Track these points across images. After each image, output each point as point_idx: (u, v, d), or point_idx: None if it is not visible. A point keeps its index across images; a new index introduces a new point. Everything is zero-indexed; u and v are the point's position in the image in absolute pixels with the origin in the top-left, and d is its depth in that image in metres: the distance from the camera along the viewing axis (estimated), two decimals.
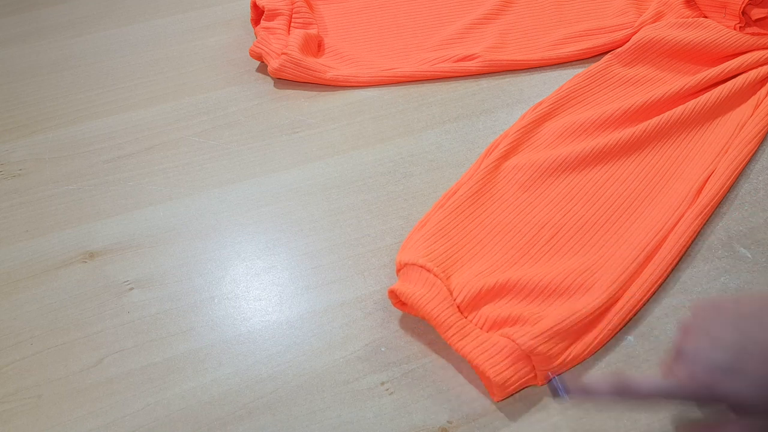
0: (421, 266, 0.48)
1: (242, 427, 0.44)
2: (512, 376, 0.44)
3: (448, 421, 0.44)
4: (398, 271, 0.50)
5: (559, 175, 0.57)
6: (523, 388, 0.45)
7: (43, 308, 0.52)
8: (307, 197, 0.59)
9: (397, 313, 0.50)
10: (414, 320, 0.49)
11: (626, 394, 0.39)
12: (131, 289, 0.53)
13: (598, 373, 0.45)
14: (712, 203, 0.54)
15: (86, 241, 0.56)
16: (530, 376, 0.44)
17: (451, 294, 0.47)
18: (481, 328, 0.46)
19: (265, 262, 0.54)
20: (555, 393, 0.41)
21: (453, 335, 0.46)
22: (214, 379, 0.47)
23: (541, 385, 0.45)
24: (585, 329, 0.46)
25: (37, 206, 0.59)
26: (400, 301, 0.49)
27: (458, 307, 0.47)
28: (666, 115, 0.60)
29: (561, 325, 0.45)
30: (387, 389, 0.46)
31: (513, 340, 0.44)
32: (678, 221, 0.53)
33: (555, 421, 0.44)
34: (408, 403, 0.45)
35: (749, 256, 0.52)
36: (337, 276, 0.53)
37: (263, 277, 0.53)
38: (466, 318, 0.47)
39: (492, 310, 0.47)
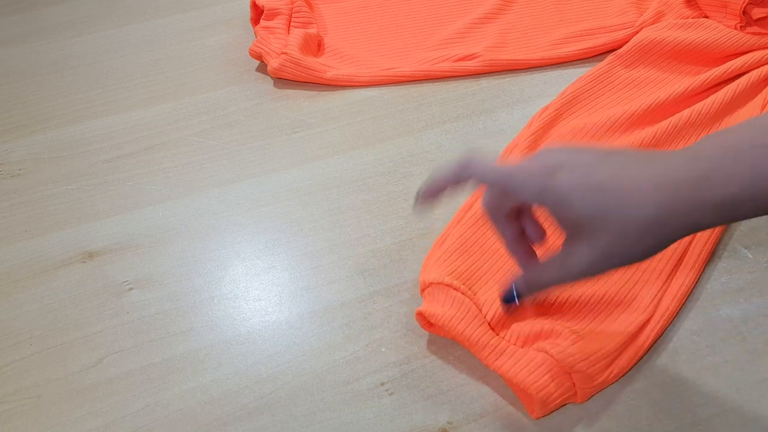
0: (447, 285, 0.47)
1: (242, 427, 0.44)
2: (554, 392, 0.42)
3: (448, 422, 0.44)
4: (422, 291, 0.49)
5: None
6: (563, 405, 0.44)
7: (43, 308, 0.52)
8: (307, 197, 0.59)
9: (398, 313, 0.50)
10: (414, 320, 0.49)
11: (470, 173, 0.38)
12: (131, 289, 0.52)
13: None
14: None
15: (85, 241, 0.56)
16: (571, 392, 0.43)
17: (481, 311, 0.46)
18: (514, 344, 0.45)
19: (265, 262, 0.54)
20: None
21: (488, 355, 0.45)
22: (213, 379, 0.47)
23: (581, 402, 0.44)
24: (625, 346, 0.45)
25: (37, 206, 0.59)
26: (428, 322, 0.48)
27: (489, 324, 0.46)
28: (674, 118, 0.60)
29: (604, 350, 0.44)
30: (387, 389, 0.46)
31: (552, 356, 0.43)
32: None
33: (555, 421, 0.44)
34: (408, 403, 0.45)
35: (750, 256, 0.52)
36: (337, 276, 0.53)
37: (263, 277, 0.53)
38: (498, 335, 0.45)
39: (525, 325, 0.46)
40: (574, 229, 0.36)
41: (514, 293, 0.40)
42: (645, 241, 0.34)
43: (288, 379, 0.47)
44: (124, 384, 0.47)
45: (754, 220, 0.54)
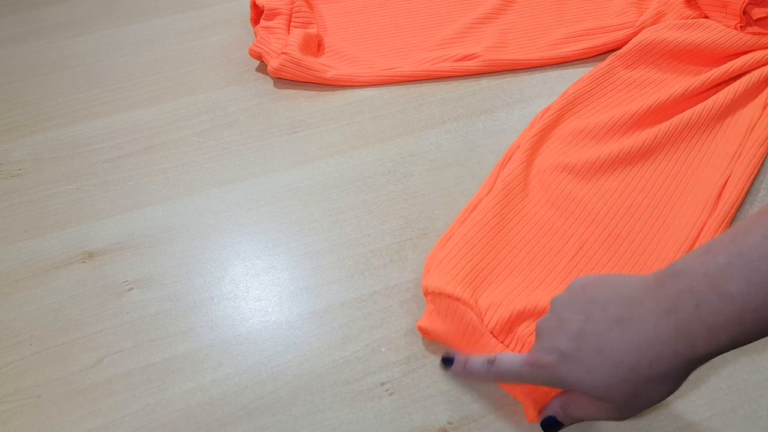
0: (449, 295, 0.47)
1: (242, 427, 0.44)
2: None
3: (448, 422, 0.44)
4: (425, 294, 0.49)
5: (577, 184, 0.56)
6: None
7: (43, 308, 0.52)
8: (307, 197, 0.59)
9: (398, 313, 0.50)
10: (414, 321, 0.49)
11: (497, 376, 0.41)
12: (130, 289, 0.52)
13: (478, 357, 0.44)
14: (731, 211, 0.53)
15: (85, 241, 0.56)
16: None
17: (483, 319, 0.46)
18: (518, 352, 0.45)
19: (265, 262, 0.54)
20: (445, 364, 0.45)
21: None
22: (213, 379, 0.47)
23: None
24: None
25: (37, 206, 0.59)
26: (430, 335, 0.48)
27: (492, 332, 0.45)
28: (676, 120, 0.60)
29: None
30: (387, 390, 0.46)
31: None
32: (701, 231, 0.52)
33: None
34: (408, 403, 0.45)
35: None
36: (337, 276, 0.53)
37: (263, 277, 0.53)
38: (501, 343, 0.45)
39: (527, 330, 0.46)
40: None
41: (552, 420, 0.42)
42: (653, 389, 0.36)
43: (288, 380, 0.47)
44: (124, 384, 0.47)
45: None
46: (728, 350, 0.34)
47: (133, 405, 0.46)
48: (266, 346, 0.49)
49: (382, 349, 0.48)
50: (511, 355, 0.41)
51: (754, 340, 0.33)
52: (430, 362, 0.47)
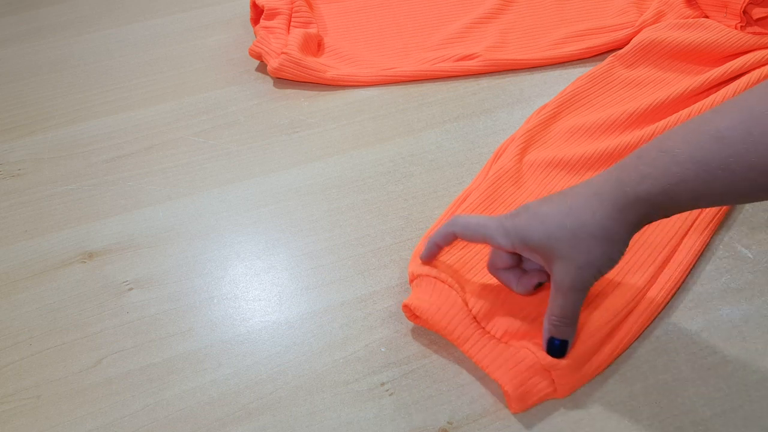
0: (435, 277, 0.47)
1: (242, 427, 0.44)
2: (531, 389, 0.43)
3: (448, 422, 0.44)
4: (411, 281, 0.49)
5: (570, 180, 0.56)
6: (543, 402, 0.44)
7: (42, 308, 0.52)
8: (307, 197, 0.59)
9: (397, 313, 0.50)
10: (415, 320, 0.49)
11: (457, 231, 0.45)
12: (130, 289, 0.52)
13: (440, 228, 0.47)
14: (723, 206, 0.53)
15: (85, 241, 0.56)
16: (550, 390, 0.43)
17: (467, 304, 0.46)
18: (499, 339, 0.45)
19: (265, 263, 0.54)
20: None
21: (470, 348, 0.45)
22: (213, 379, 0.47)
23: (562, 397, 0.44)
24: (606, 338, 0.46)
25: (36, 206, 0.59)
26: (414, 314, 0.48)
27: (475, 317, 0.46)
28: (673, 118, 0.60)
29: (585, 345, 0.44)
30: (387, 390, 0.46)
31: (533, 352, 0.43)
32: (692, 225, 0.52)
33: (556, 422, 0.44)
34: (408, 403, 0.45)
35: (750, 256, 0.52)
36: (336, 276, 0.53)
37: (263, 277, 0.53)
38: (483, 328, 0.46)
39: (510, 320, 0.46)
40: (548, 260, 0.41)
41: (556, 343, 0.43)
42: (597, 245, 0.40)
43: (288, 379, 0.47)
44: (124, 384, 0.47)
45: (753, 219, 0.54)
46: (660, 202, 0.38)
47: (133, 405, 0.46)
48: (266, 346, 0.49)
49: (382, 349, 0.48)
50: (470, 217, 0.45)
51: (686, 204, 0.38)
52: (430, 362, 0.47)
